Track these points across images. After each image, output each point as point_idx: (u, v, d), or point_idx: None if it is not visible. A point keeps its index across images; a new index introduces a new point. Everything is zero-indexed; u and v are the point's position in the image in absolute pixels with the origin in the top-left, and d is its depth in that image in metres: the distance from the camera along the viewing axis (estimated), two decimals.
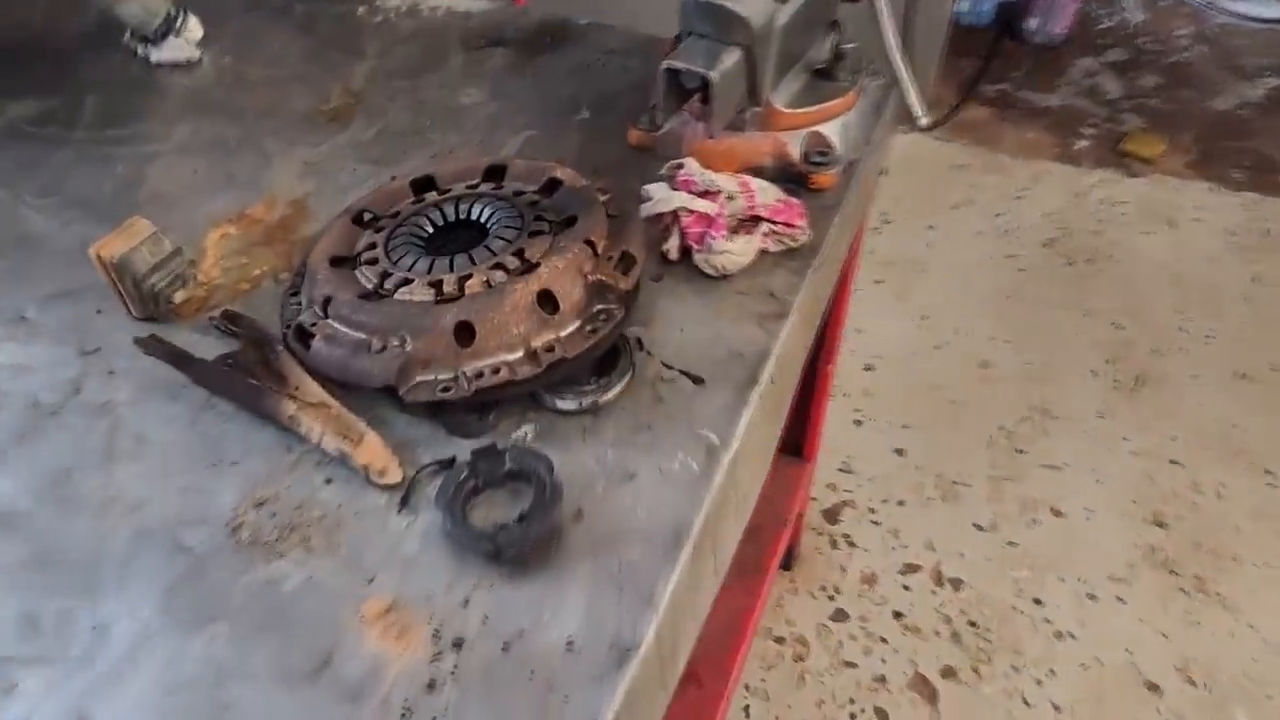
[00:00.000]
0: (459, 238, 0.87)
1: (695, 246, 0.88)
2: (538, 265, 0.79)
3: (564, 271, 0.78)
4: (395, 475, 0.74)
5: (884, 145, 1.12)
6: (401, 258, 0.83)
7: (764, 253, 0.91)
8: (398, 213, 0.89)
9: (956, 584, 1.98)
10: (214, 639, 0.64)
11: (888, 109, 1.08)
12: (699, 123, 0.99)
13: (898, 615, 1.93)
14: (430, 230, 0.87)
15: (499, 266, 0.80)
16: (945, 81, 3.54)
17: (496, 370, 0.75)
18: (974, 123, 3.45)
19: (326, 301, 0.80)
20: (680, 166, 0.93)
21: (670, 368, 0.81)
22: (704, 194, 0.91)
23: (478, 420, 0.77)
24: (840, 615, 1.93)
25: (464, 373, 0.76)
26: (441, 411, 0.77)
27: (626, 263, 0.82)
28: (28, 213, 1.00)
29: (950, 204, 3.08)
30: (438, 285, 0.79)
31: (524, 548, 0.67)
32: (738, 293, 0.88)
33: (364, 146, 1.09)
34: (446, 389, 0.75)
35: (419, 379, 0.76)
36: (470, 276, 0.79)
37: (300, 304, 0.84)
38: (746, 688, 1.80)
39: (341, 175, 1.05)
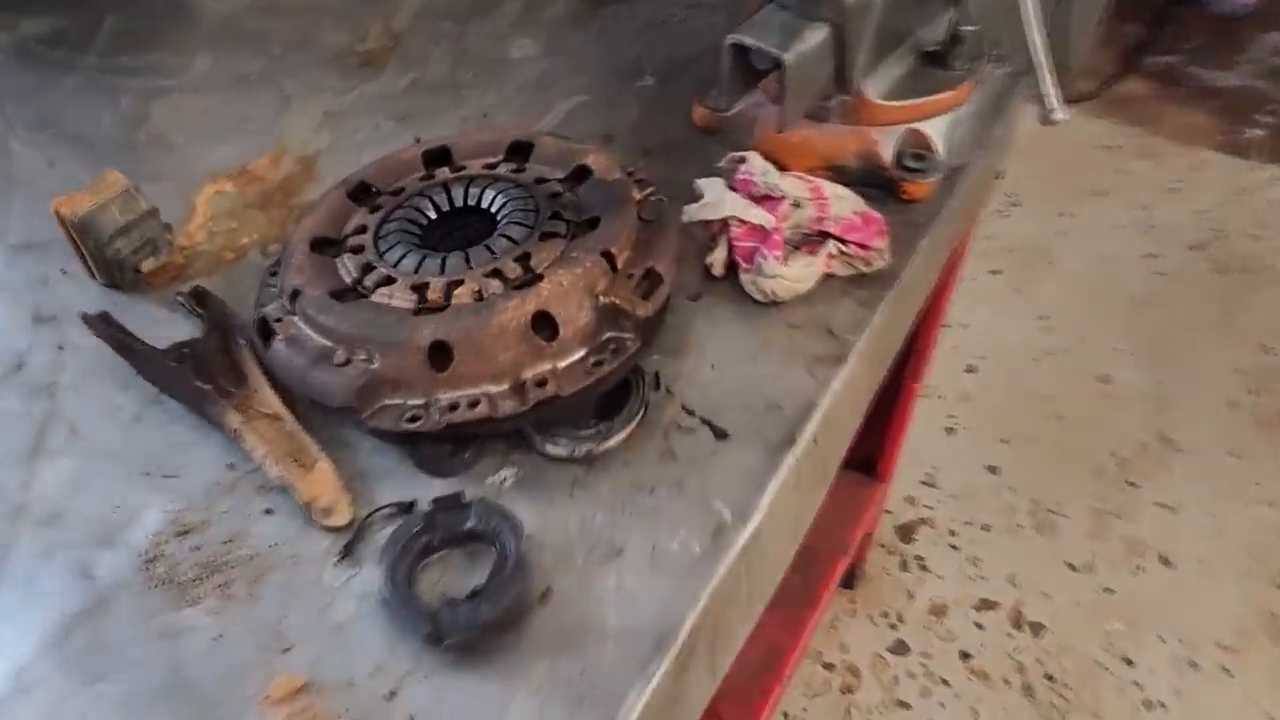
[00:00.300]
0: (462, 229, 0.76)
1: (743, 264, 0.75)
2: (541, 277, 0.67)
3: (569, 290, 0.66)
4: (343, 516, 0.64)
5: (1001, 149, 0.95)
6: (390, 249, 0.72)
7: (829, 276, 0.77)
8: (401, 189, 0.78)
9: (1037, 629, 1.82)
10: (97, 700, 0.56)
11: (1011, 105, 0.91)
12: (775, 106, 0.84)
13: (965, 656, 1.79)
14: (432, 216, 0.76)
15: (497, 273, 0.68)
16: (1103, 48, 3.24)
17: (474, 403, 0.64)
18: (1130, 98, 3.14)
19: (295, 295, 0.70)
20: (741, 161, 0.79)
21: (691, 413, 0.69)
22: (763, 199, 0.77)
23: (451, 456, 0.67)
24: (900, 647, 1.80)
25: (437, 401, 0.65)
26: (411, 441, 0.67)
27: (651, 283, 0.69)
28: (16, 146, 0.93)
29: (1090, 189, 2.82)
30: (421, 290, 0.68)
31: (471, 634, 0.57)
32: (789, 325, 0.74)
33: (393, 99, 0.99)
34: (414, 418, 0.65)
35: (385, 403, 0.66)
36: (461, 283, 0.68)
37: (277, 288, 0.75)
38: (784, 716, 1.69)
39: (361, 131, 0.95)
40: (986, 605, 1.86)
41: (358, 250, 0.73)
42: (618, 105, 0.96)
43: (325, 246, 0.74)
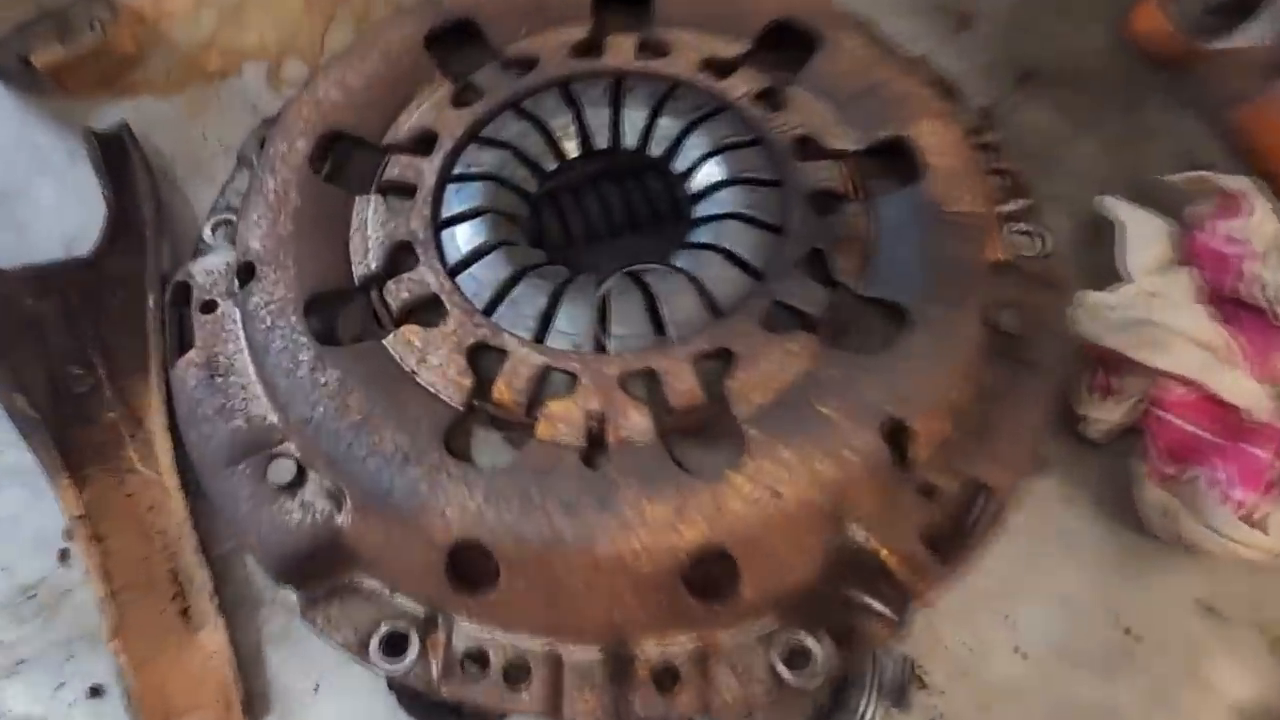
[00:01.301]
0: (617, 190, 0.41)
1: (1158, 462, 0.39)
2: (740, 444, 0.32)
3: (793, 508, 0.31)
4: None
5: None
6: (462, 217, 0.38)
7: None
8: (533, 60, 0.42)
9: None
10: None
11: None
12: None
13: None
14: (572, 154, 0.40)
15: (649, 379, 0.34)
16: None
17: (520, 671, 0.33)
18: None
19: (247, 272, 0.37)
20: (1223, 200, 0.41)
21: None
22: (1253, 318, 0.39)
23: (454, 713, 0.36)
24: None
25: (451, 628, 0.34)
26: None
27: (972, 509, 0.34)
28: None
29: None
30: (484, 366, 0.34)
31: None
32: (1197, 603, 0.41)
33: None
34: (396, 641, 0.34)
35: (349, 580, 0.35)
36: (571, 380, 0.33)
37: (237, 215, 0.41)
38: None
39: None
40: None
41: (403, 192, 0.38)
42: None
43: (346, 152, 0.40)
